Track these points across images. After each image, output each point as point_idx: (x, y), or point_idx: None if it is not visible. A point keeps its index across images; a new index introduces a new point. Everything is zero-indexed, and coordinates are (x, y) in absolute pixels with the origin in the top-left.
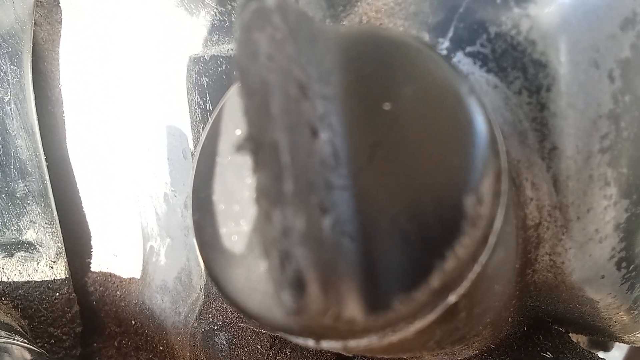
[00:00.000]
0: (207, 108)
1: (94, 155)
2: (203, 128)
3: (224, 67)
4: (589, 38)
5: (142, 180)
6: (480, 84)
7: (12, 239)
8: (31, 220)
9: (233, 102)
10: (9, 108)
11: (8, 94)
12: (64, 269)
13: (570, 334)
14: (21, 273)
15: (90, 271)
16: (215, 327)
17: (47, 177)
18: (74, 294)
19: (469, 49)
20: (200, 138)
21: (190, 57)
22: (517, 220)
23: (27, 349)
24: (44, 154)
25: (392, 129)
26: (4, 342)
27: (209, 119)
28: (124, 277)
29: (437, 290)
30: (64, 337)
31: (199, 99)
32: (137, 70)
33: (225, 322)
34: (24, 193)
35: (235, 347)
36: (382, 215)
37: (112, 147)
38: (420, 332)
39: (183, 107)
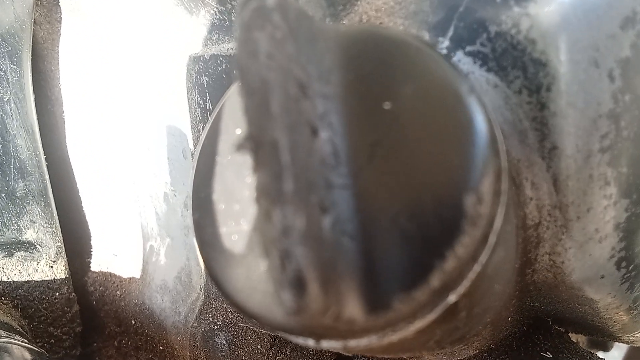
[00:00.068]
0: (207, 107)
1: (94, 155)
2: (203, 127)
3: (224, 67)
4: (589, 37)
5: (142, 180)
6: (480, 83)
7: (12, 238)
8: (31, 220)
9: (233, 101)
10: (8, 107)
11: (8, 93)
12: (63, 268)
13: (569, 334)
14: (21, 273)
15: (90, 271)
16: (215, 327)
17: (47, 177)
18: (73, 294)
19: (469, 48)
20: (200, 137)
21: (190, 56)
22: (517, 220)
23: (27, 348)
24: (44, 153)
25: (392, 128)
26: (3, 342)
27: (209, 118)
28: (123, 276)
29: (437, 289)
30: (63, 336)
31: (199, 98)
32: (137, 70)
33: (225, 321)
34: (23, 192)
35: (235, 346)
36: (382, 214)
37: (112, 146)
38: (420, 331)
39: (183, 107)
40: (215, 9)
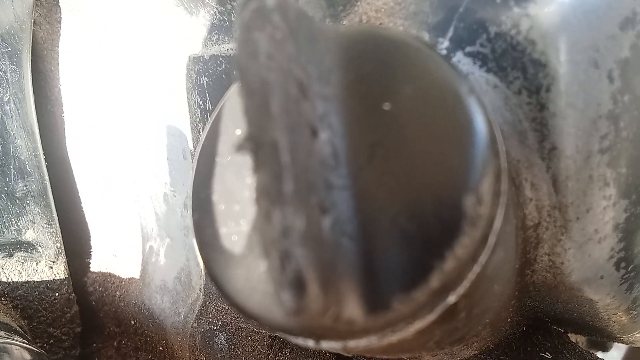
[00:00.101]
0: (207, 108)
1: (94, 155)
2: (203, 128)
3: (223, 67)
4: (588, 38)
5: (141, 180)
6: (480, 84)
7: (12, 239)
8: (31, 220)
9: (233, 101)
10: (8, 108)
11: (7, 93)
12: (63, 269)
13: (569, 334)
14: (20, 273)
15: (90, 271)
16: (215, 328)
17: (47, 177)
18: (73, 294)
19: (468, 48)
20: (200, 138)
21: (189, 56)
22: (516, 221)
23: (27, 349)
24: (44, 153)
25: (392, 129)
26: (3, 343)
27: (209, 118)
28: (123, 277)
29: (436, 290)
30: (63, 337)
31: (199, 99)
32: (136, 70)
33: (224, 322)
34: (23, 193)
35: (235, 347)
36: (382, 214)
37: (111, 147)
38: (419, 332)
39: (183, 107)
40: (215, 10)
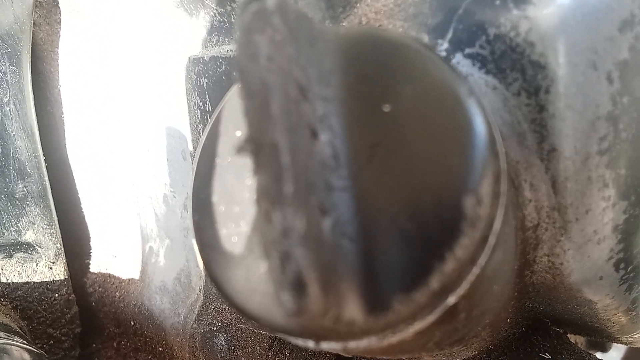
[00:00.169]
0: (207, 109)
1: (94, 156)
2: (203, 129)
3: (223, 68)
4: (587, 40)
5: (141, 182)
6: (479, 86)
7: (11, 239)
8: (30, 221)
9: (233, 103)
10: (8, 109)
11: (7, 94)
12: (63, 269)
13: (568, 335)
14: (20, 274)
15: (90, 272)
16: (215, 328)
17: (47, 178)
18: (73, 295)
19: (468, 50)
20: (200, 139)
21: (189, 58)
22: (516, 221)
23: (26, 349)
24: (43, 154)
25: (391, 130)
26: (3, 343)
27: (209, 120)
28: (123, 278)
29: (436, 291)
30: (63, 338)
31: (199, 100)
32: (136, 71)
33: (224, 323)
34: (23, 194)
35: (235, 348)
36: (382, 215)
37: (111, 148)
38: (419, 333)
39: (182, 108)
40: (215, 11)
